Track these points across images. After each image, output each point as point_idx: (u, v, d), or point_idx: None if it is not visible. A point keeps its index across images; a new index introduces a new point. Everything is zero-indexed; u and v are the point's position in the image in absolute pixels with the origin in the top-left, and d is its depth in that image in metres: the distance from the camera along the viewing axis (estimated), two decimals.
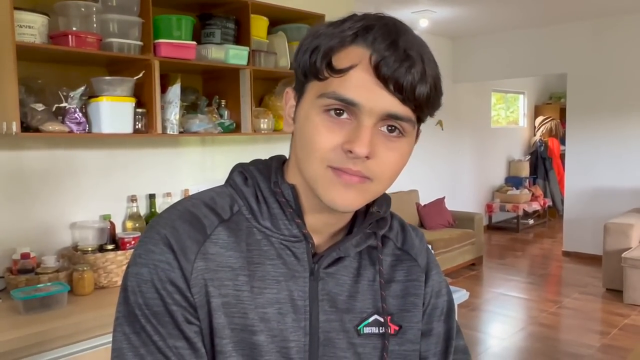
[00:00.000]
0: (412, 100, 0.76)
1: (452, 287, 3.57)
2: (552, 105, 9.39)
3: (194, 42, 2.44)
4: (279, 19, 2.85)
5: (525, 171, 8.78)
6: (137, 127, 2.31)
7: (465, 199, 7.63)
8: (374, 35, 0.76)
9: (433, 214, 6.15)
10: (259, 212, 0.87)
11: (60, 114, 2.13)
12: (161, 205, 2.64)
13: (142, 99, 2.33)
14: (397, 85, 0.74)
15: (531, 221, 8.49)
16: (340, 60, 0.77)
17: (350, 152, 0.75)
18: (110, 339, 1.95)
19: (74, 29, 2.05)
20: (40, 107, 2.06)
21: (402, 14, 5.76)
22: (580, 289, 5.39)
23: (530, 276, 5.99)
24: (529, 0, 5.27)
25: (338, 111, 0.77)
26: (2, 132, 1.98)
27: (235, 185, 0.90)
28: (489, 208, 8.20)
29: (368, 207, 0.92)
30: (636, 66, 5.96)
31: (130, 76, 2.27)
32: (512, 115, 9.26)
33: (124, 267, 2.27)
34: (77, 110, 2.14)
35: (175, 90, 2.40)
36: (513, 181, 8.58)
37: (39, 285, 2.04)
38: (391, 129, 0.78)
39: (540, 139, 9.15)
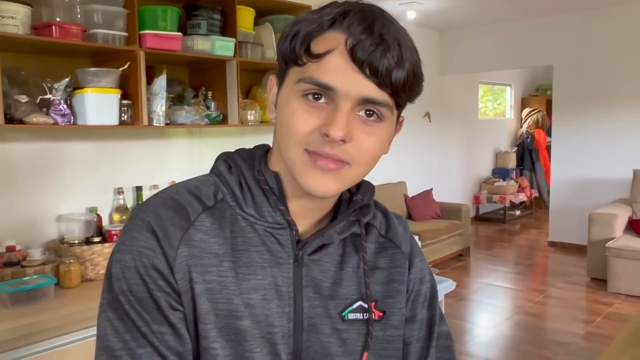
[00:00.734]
0: (389, 84, 0.76)
1: (439, 277, 3.61)
2: (539, 97, 9.44)
3: (180, 34, 2.44)
4: (265, 10, 2.88)
5: (512, 162, 8.82)
6: (123, 118, 2.32)
7: (453, 190, 7.66)
8: (350, 20, 0.77)
9: (421, 205, 6.17)
10: (242, 200, 0.88)
11: (45, 106, 2.13)
12: (148, 197, 2.63)
13: (127, 91, 2.33)
14: (372, 70, 0.75)
15: (518, 212, 8.56)
16: (318, 45, 0.78)
17: (327, 135, 0.76)
18: (91, 335, 1.88)
19: (57, 19, 2.06)
20: (24, 98, 2.06)
21: (389, 6, 5.77)
22: (565, 278, 5.45)
23: (517, 266, 6.04)
24: None
25: (316, 95, 0.78)
26: None
27: (219, 173, 0.91)
28: (477, 199, 8.26)
29: (352, 195, 0.93)
30: (622, 58, 6.00)
31: (115, 67, 2.28)
32: (499, 107, 9.30)
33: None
34: (62, 101, 2.15)
35: (161, 82, 2.42)
36: (500, 172, 8.63)
37: (25, 278, 2.05)
38: (369, 114, 0.79)
39: (527, 130, 9.20)
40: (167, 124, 2.47)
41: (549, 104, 8.14)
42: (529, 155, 9.01)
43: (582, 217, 6.02)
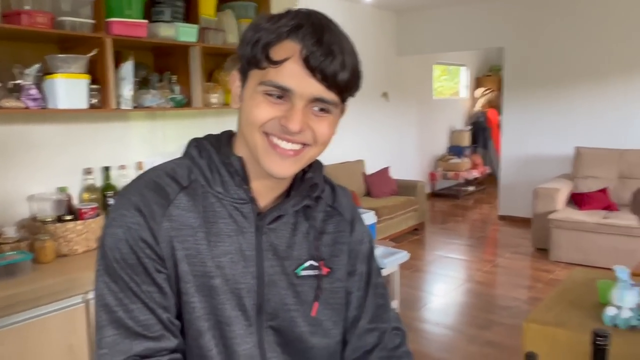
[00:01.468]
0: (335, 86, 0.87)
1: (394, 249, 3.78)
2: (492, 77, 9.55)
3: (145, 21, 2.42)
4: None
5: (466, 140, 8.95)
6: (92, 102, 2.29)
7: (409, 167, 7.72)
8: (304, 33, 0.85)
9: (378, 182, 6.22)
10: (212, 180, 0.96)
11: (16, 91, 2.11)
12: (116, 177, 2.66)
13: (96, 76, 2.31)
14: (322, 75, 0.85)
15: (471, 188, 8.64)
16: (277, 52, 0.86)
17: (286, 127, 0.87)
18: (73, 302, 2.02)
19: (26, 7, 2.02)
20: None
21: None
22: (512, 249, 5.63)
23: (469, 239, 6.19)
24: None
25: (276, 96, 0.88)
26: None
27: (191, 157, 0.99)
28: (432, 176, 8.36)
29: (304, 173, 1.03)
30: (568, 41, 6.15)
31: (83, 54, 2.24)
32: (454, 87, 9.38)
33: (84, 236, 2.41)
34: (33, 86, 2.13)
35: (127, 67, 2.40)
36: (455, 150, 8.75)
37: (1, 255, 2.04)
38: (320, 110, 0.90)
39: (481, 109, 9.33)
40: (134, 108, 2.46)
41: (501, 84, 8.23)
42: (482, 133, 9.15)
43: (529, 192, 6.11)
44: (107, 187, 2.59)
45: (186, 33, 2.55)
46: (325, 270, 1.04)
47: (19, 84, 2.11)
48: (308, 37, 0.86)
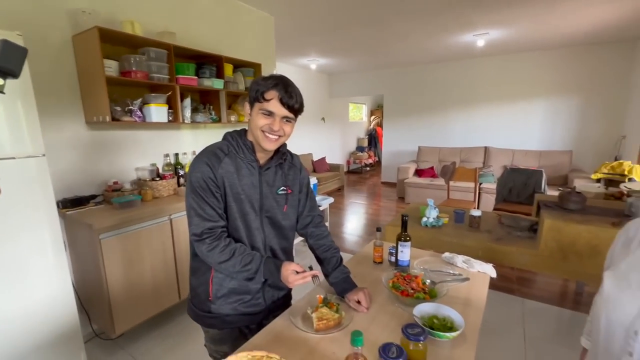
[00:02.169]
0: (293, 111, 0.99)
1: (324, 196, 3.93)
2: (379, 110, 9.51)
3: (196, 77, 2.40)
4: (238, 65, 2.79)
5: (365, 143, 8.99)
6: (169, 119, 2.28)
7: (336, 157, 7.79)
8: (279, 87, 0.96)
9: (319, 165, 6.29)
10: (239, 151, 1.04)
11: (129, 112, 2.11)
12: (180, 158, 2.57)
13: (171, 105, 2.29)
14: (288, 107, 0.97)
15: (368, 168, 8.64)
16: (267, 95, 0.96)
17: (272, 129, 0.97)
18: (161, 220, 2.04)
19: (133, 68, 2.03)
20: (118, 108, 2.06)
21: (300, 62, 5.58)
22: (387, 197, 5.78)
23: (367, 193, 6.17)
24: (367, 56, 5.23)
25: (267, 115, 0.98)
26: (99, 120, 1.96)
27: (228, 140, 1.06)
28: (348, 162, 8.41)
29: (279, 150, 1.08)
30: (418, 90, 6.16)
31: (164, 94, 2.24)
32: (360, 115, 9.37)
33: (166, 188, 2.43)
34: (138, 110, 2.14)
35: (187, 101, 2.40)
36: (359, 148, 8.81)
37: (125, 196, 2.10)
38: (287, 121, 1.00)
39: (373, 127, 9.41)
40: (191, 122, 2.43)
41: (382, 114, 8.33)
42: (374, 139, 9.18)
43: (395, 168, 6.30)
44: (177, 163, 2.54)
45: (217, 84, 2.55)
46: (289, 191, 1.10)
47: (130, 108, 2.12)
48: (282, 90, 0.95)
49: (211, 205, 0.97)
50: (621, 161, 3.39)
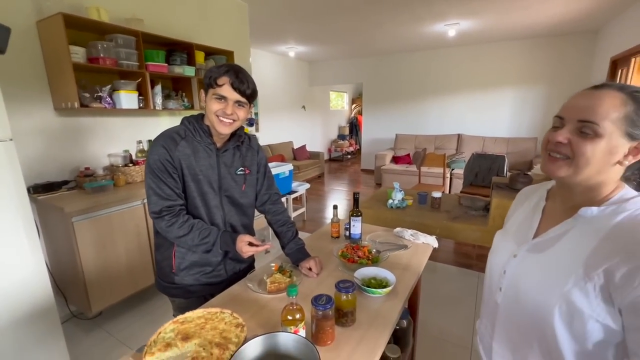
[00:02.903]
0: (246, 96, 1.01)
1: (301, 182, 4.00)
2: (360, 98, 9.52)
3: (166, 64, 2.38)
4: (210, 52, 2.78)
5: (347, 131, 9.04)
6: (140, 105, 2.26)
7: (317, 145, 7.82)
8: (231, 73, 0.99)
9: (300, 152, 6.28)
10: (196, 134, 1.06)
11: (98, 99, 2.10)
12: (157, 136, 2.54)
13: (141, 91, 2.28)
14: (240, 92, 1.00)
15: (349, 156, 8.71)
16: (219, 81, 0.99)
17: (225, 113, 1.00)
18: (134, 205, 2.06)
19: (101, 55, 2.02)
20: (87, 95, 2.05)
21: (278, 50, 5.52)
22: (366, 184, 5.84)
23: (347, 180, 6.23)
24: (344, 44, 5.21)
25: (220, 100, 1.00)
26: (67, 107, 1.95)
27: (185, 124, 1.05)
28: (329, 150, 8.47)
29: (235, 132, 1.10)
30: (396, 78, 6.20)
31: (133, 80, 2.24)
32: (341, 104, 9.41)
33: (140, 173, 2.45)
34: (108, 97, 2.12)
35: (158, 88, 2.39)
36: (341, 137, 8.87)
37: (98, 181, 2.12)
38: (240, 105, 1.02)
39: (354, 115, 9.44)
40: (163, 109, 2.42)
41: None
42: (355, 127, 9.21)
43: (370, 156, 6.59)
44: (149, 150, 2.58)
45: (189, 71, 2.52)
46: (247, 171, 1.13)
47: (100, 95, 2.10)
48: (233, 75, 0.99)
49: (168, 185, 1.00)
50: None
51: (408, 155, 5.68)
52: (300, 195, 3.92)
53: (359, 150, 9.01)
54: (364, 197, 4.81)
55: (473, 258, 3.03)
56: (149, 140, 2.59)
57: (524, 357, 0.66)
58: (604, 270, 0.55)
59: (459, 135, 5.66)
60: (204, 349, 0.78)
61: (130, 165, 2.34)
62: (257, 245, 1.02)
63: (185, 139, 1.03)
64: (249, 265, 1.26)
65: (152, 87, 2.35)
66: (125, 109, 2.17)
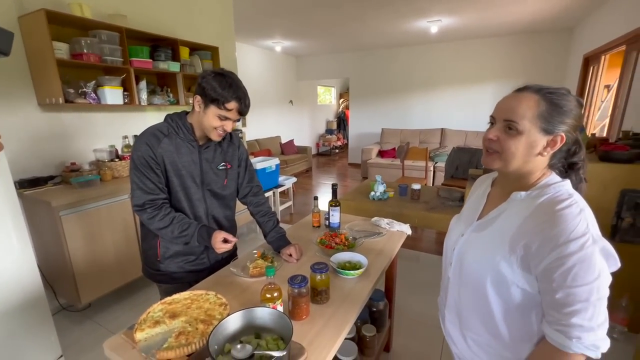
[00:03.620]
0: (244, 115, 1.05)
1: (288, 177, 4.06)
2: (347, 93, 9.51)
3: (151, 60, 2.39)
4: (195, 48, 2.79)
5: (334, 126, 9.06)
6: (125, 101, 2.26)
7: (305, 139, 7.86)
8: (240, 100, 1.02)
9: (287, 147, 6.27)
10: (179, 132, 1.06)
11: (83, 95, 2.10)
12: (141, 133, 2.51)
13: (126, 87, 2.28)
14: (242, 115, 1.04)
15: (337, 150, 8.79)
16: (229, 105, 1.02)
17: (225, 130, 1.04)
18: (121, 199, 2.10)
19: (85, 51, 2.02)
20: (72, 90, 2.05)
21: (264, 44, 5.50)
22: (353, 178, 5.87)
23: (334, 174, 6.22)
24: (331, 39, 5.25)
25: (224, 119, 1.01)
26: (52, 102, 1.96)
27: (168, 122, 1.07)
28: (317, 145, 8.49)
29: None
30: (381, 73, 6.26)
31: (118, 76, 2.24)
32: (329, 98, 9.42)
33: (125, 168, 2.46)
34: (92, 92, 2.13)
35: (143, 84, 2.40)
36: (329, 131, 8.89)
37: (84, 176, 2.12)
38: (237, 121, 1.04)
39: (342, 110, 9.46)
40: (148, 104, 2.42)
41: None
42: (342, 122, 9.24)
43: (360, 150, 6.39)
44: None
45: (173, 67, 2.53)
46: (229, 166, 1.18)
47: (85, 91, 2.10)
48: (242, 102, 1.03)
49: (151, 180, 1.04)
50: None
51: (394, 149, 5.75)
52: (287, 189, 3.95)
53: (347, 144, 8.94)
54: (349, 190, 4.97)
55: None
56: (135, 136, 2.58)
57: (467, 319, 0.76)
58: (524, 244, 0.64)
59: (442, 129, 5.79)
60: (190, 325, 0.85)
61: (117, 160, 2.35)
62: (230, 242, 1.06)
63: (168, 136, 1.06)
64: (231, 254, 1.32)
65: (137, 83, 2.36)
66: (110, 105, 2.17)
